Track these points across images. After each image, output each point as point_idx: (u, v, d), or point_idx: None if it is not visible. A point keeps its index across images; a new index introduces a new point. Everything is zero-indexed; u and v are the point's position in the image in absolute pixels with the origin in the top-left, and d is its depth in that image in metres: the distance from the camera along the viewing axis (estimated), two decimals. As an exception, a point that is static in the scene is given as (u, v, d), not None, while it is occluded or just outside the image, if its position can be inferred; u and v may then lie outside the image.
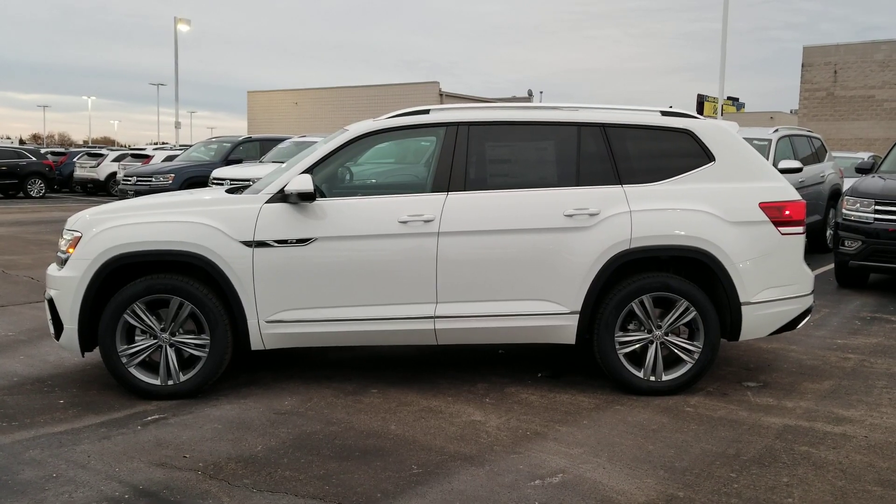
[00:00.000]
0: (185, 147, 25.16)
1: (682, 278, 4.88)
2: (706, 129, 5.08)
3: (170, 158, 20.86)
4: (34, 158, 25.79)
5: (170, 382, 4.75)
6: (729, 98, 45.13)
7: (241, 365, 5.44)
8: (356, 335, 4.86)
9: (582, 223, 4.81)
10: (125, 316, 4.68)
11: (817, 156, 12.11)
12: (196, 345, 4.76)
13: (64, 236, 4.92)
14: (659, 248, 4.85)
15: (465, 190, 4.87)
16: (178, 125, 35.00)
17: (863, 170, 9.93)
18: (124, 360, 4.72)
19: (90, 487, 3.55)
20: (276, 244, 4.72)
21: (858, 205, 8.66)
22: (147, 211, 4.89)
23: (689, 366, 4.91)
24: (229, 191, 5.39)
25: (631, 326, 4.92)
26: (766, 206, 4.94)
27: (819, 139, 12.67)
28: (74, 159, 28.69)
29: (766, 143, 10.67)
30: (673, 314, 4.87)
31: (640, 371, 4.89)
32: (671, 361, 4.95)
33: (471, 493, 3.52)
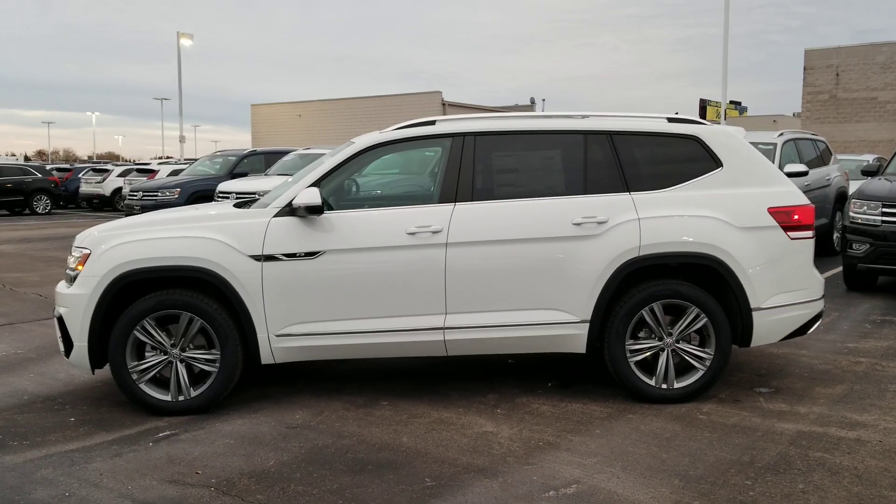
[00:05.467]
0: (190, 161, 25.27)
1: (692, 285, 4.86)
2: (713, 134, 5.07)
3: (175, 173, 20.96)
4: (39, 175, 25.92)
5: (181, 398, 4.75)
6: (731, 102, 45.16)
7: (251, 379, 5.43)
8: (366, 348, 4.85)
9: (590, 231, 4.80)
10: (135, 332, 4.68)
11: (822, 159, 12.10)
12: (206, 360, 4.76)
13: (73, 253, 4.93)
14: (668, 255, 4.83)
15: (472, 200, 4.87)
16: (182, 139, 35.18)
17: (869, 172, 9.91)
18: (135, 376, 4.72)
19: (103, 505, 3.54)
20: (284, 258, 4.73)
21: (865, 207, 8.63)
22: (155, 227, 4.90)
23: (700, 373, 4.88)
24: (237, 205, 5.40)
25: (641, 334, 4.90)
26: (774, 211, 4.93)
27: (824, 142, 12.66)
28: (80, 175, 28.84)
29: (771, 147, 10.67)
30: (683, 321, 4.85)
31: (651, 379, 4.87)
32: (683, 369, 4.92)
33: (485, 506, 3.50)
